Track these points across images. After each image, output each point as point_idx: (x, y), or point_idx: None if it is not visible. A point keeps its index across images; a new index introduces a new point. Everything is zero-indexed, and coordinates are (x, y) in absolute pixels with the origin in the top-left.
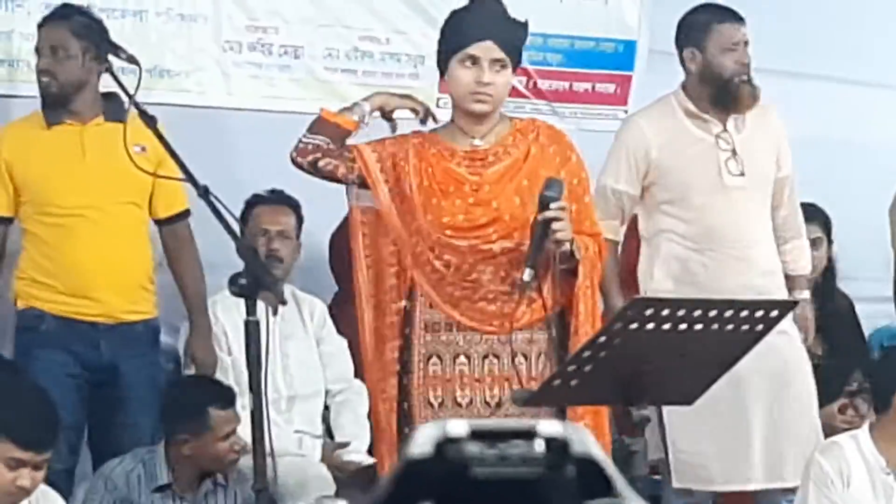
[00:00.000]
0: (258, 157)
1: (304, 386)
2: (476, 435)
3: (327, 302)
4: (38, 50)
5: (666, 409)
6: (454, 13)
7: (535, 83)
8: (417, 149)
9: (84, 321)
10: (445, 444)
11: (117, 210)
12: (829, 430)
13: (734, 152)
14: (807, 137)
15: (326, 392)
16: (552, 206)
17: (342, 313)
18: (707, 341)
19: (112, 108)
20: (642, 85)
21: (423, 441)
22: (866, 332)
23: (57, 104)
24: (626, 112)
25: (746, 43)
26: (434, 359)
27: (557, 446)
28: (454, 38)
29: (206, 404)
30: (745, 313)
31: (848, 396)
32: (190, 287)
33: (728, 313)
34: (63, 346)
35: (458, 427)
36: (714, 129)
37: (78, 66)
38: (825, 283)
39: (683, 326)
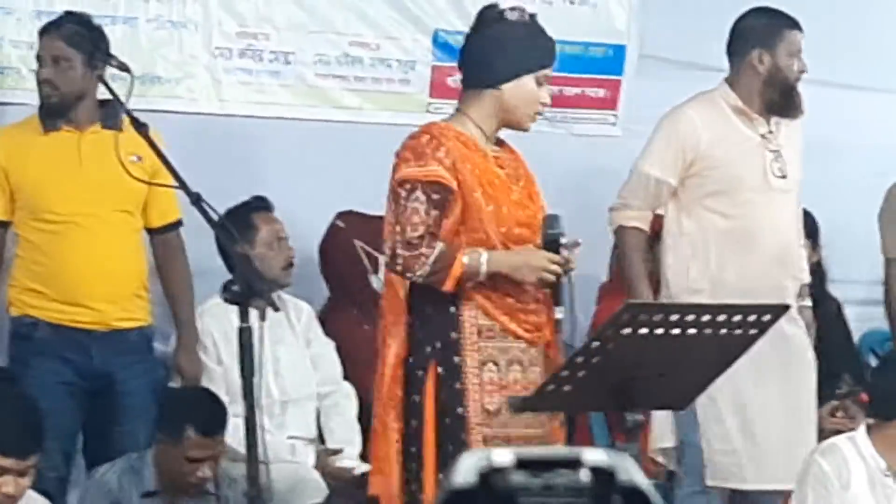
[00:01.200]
0: (249, 164)
1: (297, 390)
2: (521, 464)
3: (317, 308)
4: (39, 58)
5: (700, 408)
6: (526, 26)
7: None
8: (462, 151)
9: (77, 328)
10: (490, 474)
11: (112, 218)
12: (820, 433)
13: (778, 154)
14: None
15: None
16: (563, 240)
17: (334, 319)
18: (700, 346)
19: (109, 115)
20: (632, 90)
21: (466, 470)
22: (855, 335)
23: (56, 113)
24: (615, 117)
25: (801, 51)
26: (490, 364)
27: (603, 475)
28: (536, 56)
29: (186, 422)
30: (738, 317)
31: (838, 399)
32: (178, 297)
33: (721, 318)
34: (57, 355)
35: (503, 456)
36: (760, 129)
37: (78, 76)
38: (814, 286)
39: (677, 331)
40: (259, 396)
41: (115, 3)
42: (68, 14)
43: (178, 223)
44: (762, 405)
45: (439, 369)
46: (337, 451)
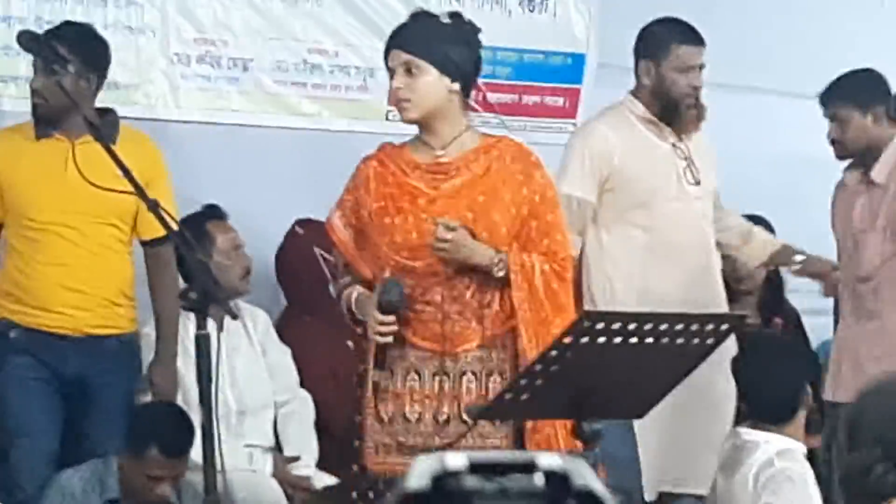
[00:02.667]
0: (207, 170)
1: (254, 399)
2: (475, 468)
3: (274, 316)
4: (34, 65)
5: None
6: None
7: (484, 96)
8: (377, 170)
9: (51, 333)
10: (444, 478)
11: (93, 230)
12: None
13: (690, 161)
14: (756, 150)
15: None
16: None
17: (291, 326)
18: (658, 355)
19: (105, 125)
20: (591, 98)
21: (419, 474)
22: (814, 344)
23: (47, 121)
24: (574, 125)
25: (702, 66)
26: (386, 372)
27: (557, 480)
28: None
29: (150, 440)
30: (695, 327)
31: None
32: (163, 311)
33: (679, 327)
34: (32, 354)
35: (457, 460)
36: (670, 138)
37: (70, 87)
38: (772, 295)
39: (634, 340)
40: (216, 406)
41: (73, 8)
42: (67, 24)
43: (168, 238)
44: (682, 410)
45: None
46: (294, 459)
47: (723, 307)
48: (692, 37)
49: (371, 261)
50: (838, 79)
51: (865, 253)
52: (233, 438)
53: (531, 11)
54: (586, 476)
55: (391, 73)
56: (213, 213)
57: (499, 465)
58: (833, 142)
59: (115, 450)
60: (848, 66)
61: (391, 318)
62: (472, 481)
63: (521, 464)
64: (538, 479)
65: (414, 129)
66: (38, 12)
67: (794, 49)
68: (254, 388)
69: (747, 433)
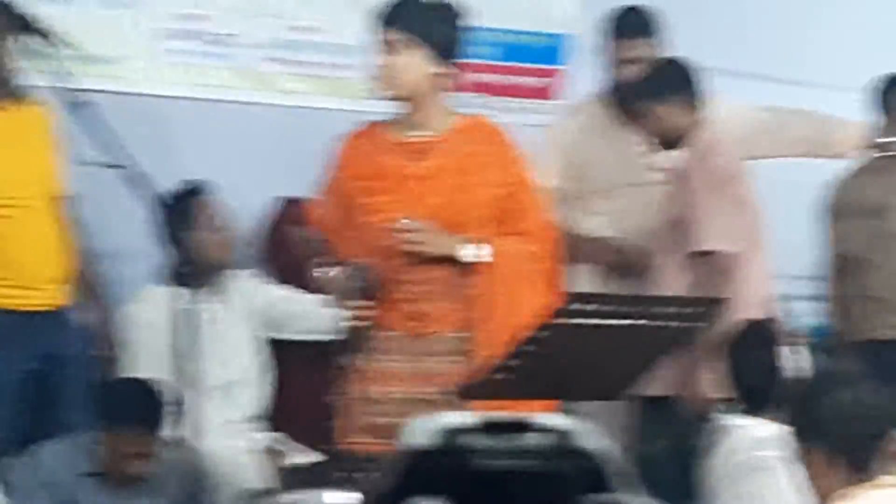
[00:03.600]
0: (186, 145)
1: (240, 372)
2: (483, 427)
3: None
4: None
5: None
6: None
7: (466, 76)
8: (355, 149)
9: (23, 311)
10: (452, 435)
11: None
12: None
13: (650, 150)
14: None
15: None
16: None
17: None
18: (636, 336)
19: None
20: (574, 79)
21: (423, 432)
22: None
23: None
24: (553, 106)
25: (644, 59)
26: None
27: (563, 439)
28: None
29: (120, 416)
30: (672, 309)
31: None
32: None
33: (657, 309)
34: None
35: (466, 418)
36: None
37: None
38: None
39: (613, 321)
40: (201, 380)
41: None
42: None
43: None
44: None
45: None
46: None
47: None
48: (628, 29)
49: (352, 240)
50: None
51: None
52: (215, 413)
53: None
54: (592, 437)
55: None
56: (196, 188)
57: (506, 424)
58: None
59: (85, 423)
60: (842, 53)
61: (368, 302)
62: (481, 439)
63: (528, 423)
64: (545, 438)
65: (395, 108)
66: None
67: (777, 33)
68: (240, 362)
69: (724, 417)
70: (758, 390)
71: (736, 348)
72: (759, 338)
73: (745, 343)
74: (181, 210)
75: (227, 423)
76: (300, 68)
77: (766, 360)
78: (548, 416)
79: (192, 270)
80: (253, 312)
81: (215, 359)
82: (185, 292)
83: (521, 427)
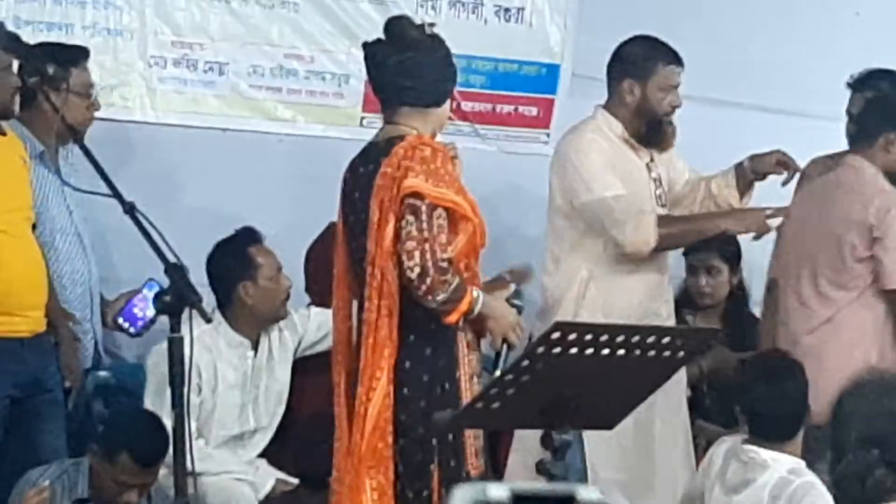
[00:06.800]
0: (182, 172)
1: (269, 419)
2: (517, 499)
3: None
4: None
5: (585, 434)
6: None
7: (458, 104)
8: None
9: (9, 338)
10: None
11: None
12: None
13: (659, 181)
14: (728, 164)
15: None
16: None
17: None
18: (629, 367)
19: None
20: (565, 109)
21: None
22: None
23: None
24: (548, 135)
25: (678, 86)
26: (475, 378)
27: None
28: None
29: (123, 447)
30: (666, 340)
31: None
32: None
33: (651, 339)
34: None
35: (499, 491)
36: (644, 158)
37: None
38: (735, 306)
39: (606, 352)
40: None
41: (52, 10)
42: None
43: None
44: (644, 427)
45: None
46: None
47: (672, 321)
48: (674, 56)
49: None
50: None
51: None
52: (241, 454)
53: (507, 21)
54: None
55: None
56: (252, 236)
57: (540, 497)
58: None
59: (65, 449)
60: (824, 77)
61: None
62: None
63: (562, 496)
64: None
65: None
66: (16, 12)
67: (768, 62)
68: (272, 409)
69: (752, 451)
70: (784, 423)
71: (758, 382)
72: (781, 370)
73: (766, 376)
74: (241, 260)
75: (238, 463)
76: (293, 96)
77: (789, 393)
78: (584, 489)
79: (183, 298)
80: (295, 349)
81: (259, 408)
82: (173, 321)
83: (557, 500)
